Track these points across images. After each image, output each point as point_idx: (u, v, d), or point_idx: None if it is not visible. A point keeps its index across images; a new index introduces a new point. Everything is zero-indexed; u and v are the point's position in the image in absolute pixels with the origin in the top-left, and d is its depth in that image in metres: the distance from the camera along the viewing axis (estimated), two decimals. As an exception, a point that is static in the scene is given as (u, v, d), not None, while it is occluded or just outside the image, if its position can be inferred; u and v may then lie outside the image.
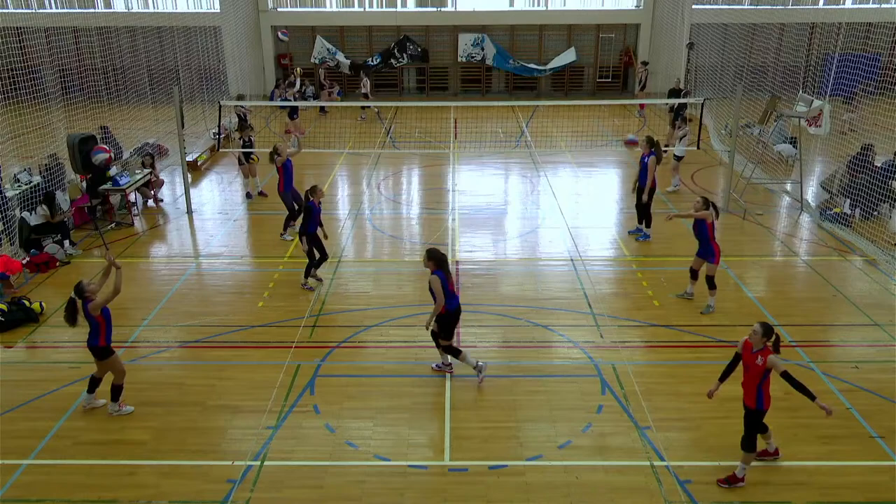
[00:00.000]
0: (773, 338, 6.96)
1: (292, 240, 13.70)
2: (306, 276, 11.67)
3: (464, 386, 8.96)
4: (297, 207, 13.58)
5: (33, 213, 13.18)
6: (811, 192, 16.33)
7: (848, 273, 12.36)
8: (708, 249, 10.63)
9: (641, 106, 26.03)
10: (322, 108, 25.89)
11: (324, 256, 11.78)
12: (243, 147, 16.47)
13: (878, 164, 15.12)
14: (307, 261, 11.58)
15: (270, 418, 8.27)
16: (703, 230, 10.59)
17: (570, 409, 8.48)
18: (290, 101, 22.06)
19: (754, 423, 7.14)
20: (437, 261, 8.67)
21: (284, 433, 8.06)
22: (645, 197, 13.50)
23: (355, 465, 7.56)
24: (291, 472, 7.45)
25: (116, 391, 8.31)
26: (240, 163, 16.67)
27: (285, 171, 13.47)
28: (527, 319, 10.65)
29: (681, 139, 16.51)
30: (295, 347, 9.75)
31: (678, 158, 16.65)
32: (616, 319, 10.64)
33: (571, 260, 12.87)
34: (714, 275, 10.74)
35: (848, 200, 14.67)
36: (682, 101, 19.20)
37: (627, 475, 7.39)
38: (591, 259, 12.99)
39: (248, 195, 16.58)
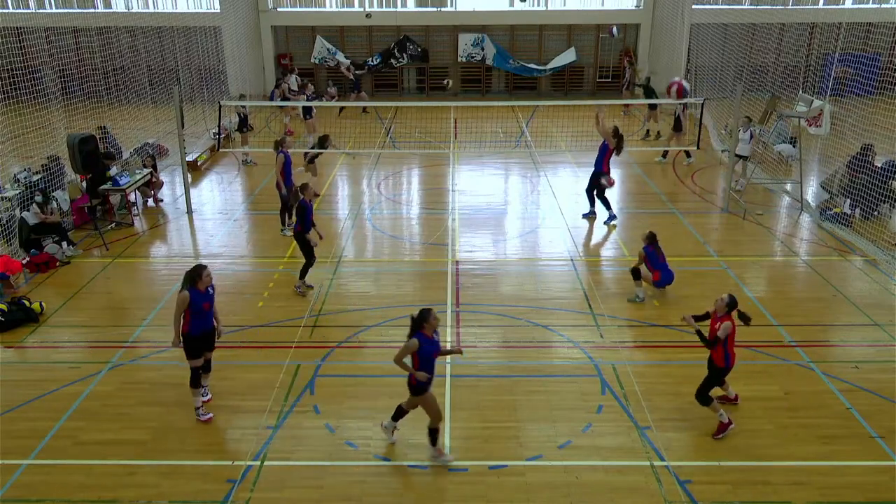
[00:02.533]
0: (736, 311, 7.94)
1: (291, 234, 13.74)
2: (302, 278, 11.48)
3: (464, 386, 8.96)
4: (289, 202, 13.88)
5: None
6: (811, 192, 16.33)
7: (848, 273, 12.36)
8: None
9: (627, 106, 26.13)
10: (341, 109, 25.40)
11: (311, 260, 11.44)
12: (313, 148, 16.48)
13: (878, 164, 15.11)
14: (304, 261, 11.46)
15: (270, 418, 8.27)
16: None
17: (570, 409, 8.48)
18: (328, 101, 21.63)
19: (715, 379, 8.05)
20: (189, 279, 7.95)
21: (284, 433, 8.06)
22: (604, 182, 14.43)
23: (355, 465, 7.56)
24: (291, 472, 7.45)
25: (432, 435, 7.47)
26: (310, 161, 16.55)
27: (286, 167, 13.65)
28: (527, 319, 10.65)
29: (749, 140, 16.39)
30: (295, 347, 9.75)
31: (744, 158, 16.58)
32: (616, 319, 10.64)
33: (571, 260, 12.87)
34: (638, 268, 11.22)
35: (848, 200, 14.66)
36: (680, 101, 19.21)
37: (627, 475, 7.39)
38: (591, 259, 12.98)
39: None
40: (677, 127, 19.24)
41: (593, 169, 14.53)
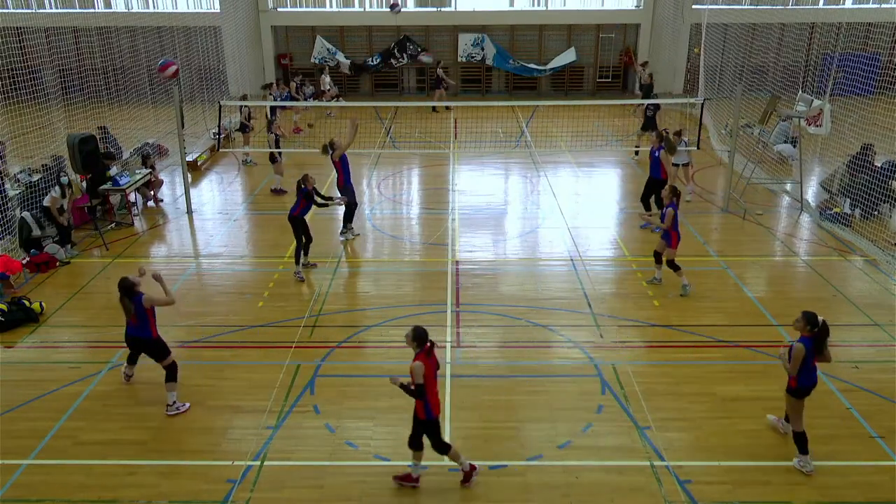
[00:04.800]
0: (427, 346, 6.74)
1: (354, 238, 13.90)
2: (297, 263, 11.99)
3: (464, 386, 8.96)
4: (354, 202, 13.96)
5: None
6: (811, 192, 16.33)
7: (848, 273, 12.36)
8: (666, 234, 11.19)
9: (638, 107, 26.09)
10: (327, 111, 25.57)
11: (309, 240, 12.20)
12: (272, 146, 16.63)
13: (878, 164, 15.12)
14: (296, 245, 11.93)
15: (270, 418, 8.27)
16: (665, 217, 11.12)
17: (570, 409, 8.48)
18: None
19: (434, 432, 6.98)
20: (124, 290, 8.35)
21: (284, 433, 8.06)
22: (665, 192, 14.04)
23: (355, 465, 7.56)
24: (291, 472, 7.45)
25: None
26: (273, 160, 16.69)
27: (343, 164, 13.51)
28: (527, 319, 10.65)
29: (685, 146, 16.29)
30: (295, 347, 9.75)
31: (685, 165, 16.43)
32: (616, 319, 10.64)
33: (571, 260, 12.86)
34: (673, 259, 11.25)
35: (848, 200, 14.67)
36: (659, 101, 19.25)
37: (627, 475, 7.39)
38: (591, 259, 12.99)
39: (281, 191, 16.64)
40: (649, 126, 18.96)
41: (649, 176, 14.20)
